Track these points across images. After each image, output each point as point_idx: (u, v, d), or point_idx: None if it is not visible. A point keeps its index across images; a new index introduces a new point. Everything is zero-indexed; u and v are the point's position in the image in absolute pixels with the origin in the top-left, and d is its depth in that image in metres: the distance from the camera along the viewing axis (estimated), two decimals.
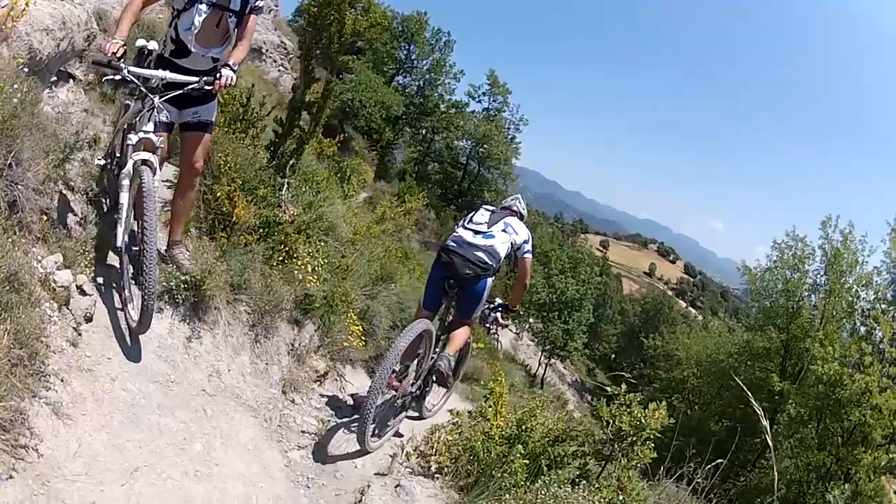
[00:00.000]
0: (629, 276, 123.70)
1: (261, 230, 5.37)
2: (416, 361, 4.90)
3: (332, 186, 8.78)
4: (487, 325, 5.73)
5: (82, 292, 3.60)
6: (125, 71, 3.63)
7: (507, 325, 8.54)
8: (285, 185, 6.36)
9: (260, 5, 4.17)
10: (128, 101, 4.18)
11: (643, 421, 4.32)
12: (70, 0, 4.41)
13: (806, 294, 20.88)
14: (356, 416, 4.92)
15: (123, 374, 3.49)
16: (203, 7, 3.94)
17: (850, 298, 19.27)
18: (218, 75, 3.90)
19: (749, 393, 3.83)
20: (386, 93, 28.48)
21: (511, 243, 5.07)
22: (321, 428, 4.70)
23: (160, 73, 3.79)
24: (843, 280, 19.31)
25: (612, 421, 4.39)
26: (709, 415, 24.67)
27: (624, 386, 4.51)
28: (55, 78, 4.60)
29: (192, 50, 4.01)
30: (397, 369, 4.60)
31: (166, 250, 4.44)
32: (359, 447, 4.51)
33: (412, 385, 4.95)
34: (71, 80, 4.84)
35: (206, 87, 3.91)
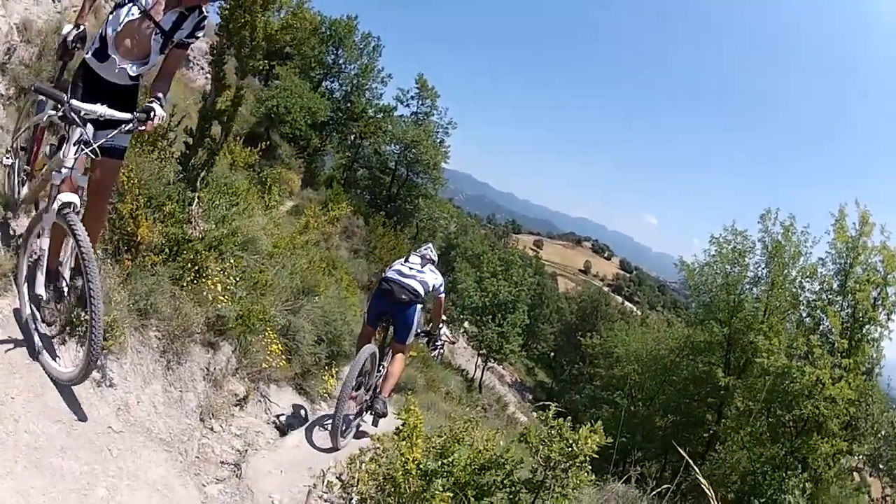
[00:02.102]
0: (564, 275, 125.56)
1: (167, 249, 5.05)
2: (367, 376, 5.88)
3: (253, 198, 8.47)
4: (434, 348, 7.24)
5: None
6: (67, 105, 3.34)
7: (455, 342, 9.55)
8: (195, 200, 6.07)
9: (190, 42, 3.83)
10: (41, 99, 3.84)
11: (575, 448, 3.98)
12: None
13: (747, 287, 20.92)
14: (276, 441, 5.40)
15: (27, 415, 3.18)
16: (135, 10, 3.57)
17: (795, 290, 19.29)
18: (152, 114, 3.59)
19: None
20: (311, 98, 27.77)
21: (433, 284, 6.29)
22: (240, 458, 4.46)
23: (100, 108, 3.46)
24: (787, 272, 19.34)
25: (539, 448, 4.10)
26: (653, 410, 24.80)
27: (552, 412, 4.25)
28: None
29: (110, 55, 3.62)
30: (354, 385, 5.52)
31: None
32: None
33: (366, 395, 5.99)
34: None
35: (140, 128, 3.62)
